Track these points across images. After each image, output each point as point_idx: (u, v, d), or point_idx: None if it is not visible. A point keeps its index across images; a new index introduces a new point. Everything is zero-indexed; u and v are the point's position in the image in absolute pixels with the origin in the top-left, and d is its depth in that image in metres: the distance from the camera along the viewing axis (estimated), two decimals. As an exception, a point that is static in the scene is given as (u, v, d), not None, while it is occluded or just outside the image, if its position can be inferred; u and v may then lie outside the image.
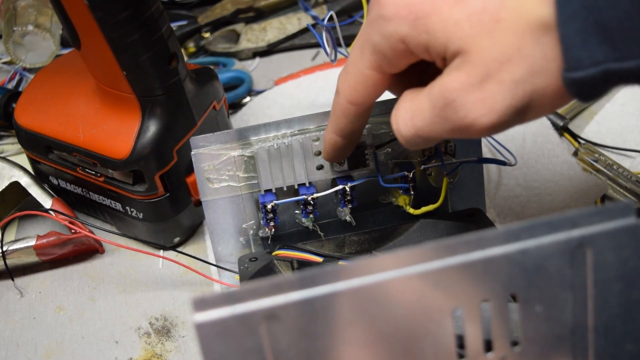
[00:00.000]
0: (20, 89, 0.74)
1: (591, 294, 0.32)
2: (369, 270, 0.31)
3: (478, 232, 0.31)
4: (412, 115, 0.39)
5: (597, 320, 0.33)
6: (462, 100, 0.36)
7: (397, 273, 0.31)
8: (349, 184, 0.50)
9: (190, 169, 0.55)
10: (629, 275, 0.32)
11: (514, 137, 0.60)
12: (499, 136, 0.57)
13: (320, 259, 0.49)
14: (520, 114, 0.36)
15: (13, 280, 0.57)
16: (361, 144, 0.50)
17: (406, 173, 0.51)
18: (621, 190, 0.56)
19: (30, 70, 0.78)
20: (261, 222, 0.51)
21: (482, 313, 0.32)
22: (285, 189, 0.51)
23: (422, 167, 0.51)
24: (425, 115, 0.38)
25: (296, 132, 0.50)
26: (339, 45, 0.55)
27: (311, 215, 0.51)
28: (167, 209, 0.56)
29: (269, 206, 0.50)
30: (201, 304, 0.29)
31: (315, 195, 0.50)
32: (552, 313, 0.33)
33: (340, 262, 0.49)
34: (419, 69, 0.42)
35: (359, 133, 0.46)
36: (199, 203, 0.53)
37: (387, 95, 0.53)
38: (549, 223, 0.31)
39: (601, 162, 0.57)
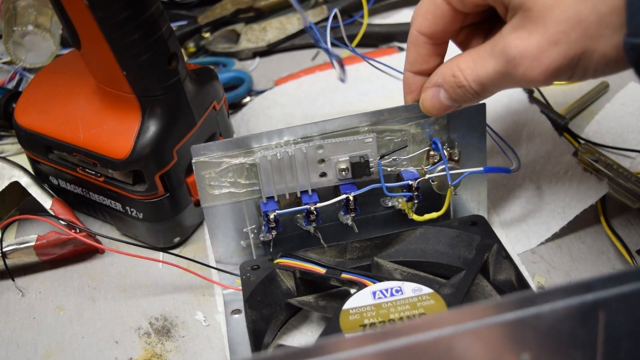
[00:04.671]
0: (20, 89, 0.74)
1: (601, 351, 0.33)
2: (383, 337, 0.31)
3: (494, 299, 0.31)
4: (477, 71, 0.43)
5: None
6: (522, 58, 0.40)
7: (411, 339, 0.31)
8: (353, 193, 0.50)
9: (190, 169, 0.55)
10: (638, 333, 0.33)
11: (514, 137, 0.60)
12: (503, 135, 0.57)
13: (322, 270, 0.49)
14: (567, 72, 0.40)
15: (13, 280, 0.57)
16: (365, 153, 0.50)
17: (410, 182, 0.51)
18: (621, 190, 0.56)
19: (30, 70, 0.78)
20: (262, 226, 0.51)
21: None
22: (287, 196, 0.51)
23: (427, 176, 0.51)
24: (489, 71, 0.43)
25: (299, 139, 0.50)
26: (344, 43, 0.55)
27: (313, 224, 0.51)
28: (167, 209, 0.56)
29: (272, 216, 0.50)
30: None
31: (319, 205, 0.50)
32: None
33: (343, 275, 0.49)
34: (483, 31, 0.47)
35: (428, 72, 0.48)
36: (199, 203, 0.53)
37: (389, 104, 0.53)
38: (564, 289, 0.32)
39: (601, 162, 0.57)
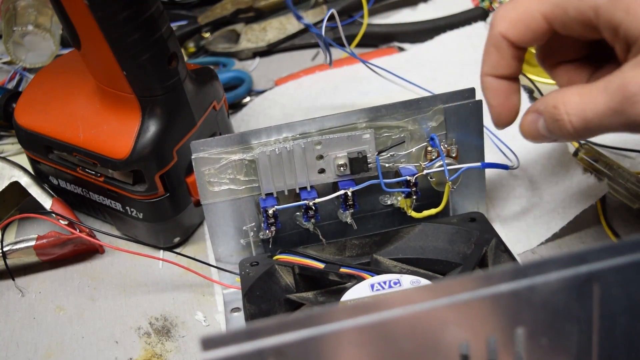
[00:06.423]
0: (20, 89, 0.74)
1: (596, 326, 0.32)
2: (377, 308, 0.30)
3: (487, 270, 0.31)
4: (584, 106, 0.39)
5: (602, 351, 0.33)
6: None
7: (405, 310, 0.31)
8: (351, 189, 0.50)
9: (190, 169, 0.55)
10: (634, 308, 0.32)
11: (514, 137, 0.60)
12: (501, 135, 0.57)
13: (321, 265, 0.49)
14: None
15: (14, 280, 0.57)
16: (363, 149, 0.50)
17: (408, 177, 0.51)
18: (621, 190, 0.56)
19: (30, 70, 0.78)
20: (262, 224, 0.51)
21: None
22: (286, 192, 0.51)
23: (425, 172, 0.51)
24: (599, 107, 0.38)
25: (298, 135, 0.50)
26: (342, 44, 0.56)
27: (312, 220, 0.51)
28: (167, 209, 0.56)
29: (270, 211, 0.50)
30: (210, 343, 0.29)
31: (317, 200, 0.50)
32: (558, 344, 0.33)
33: (342, 269, 0.49)
34: (585, 70, 0.43)
35: (511, 76, 0.44)
36: (199, 203, 0.53)
37: (388, 99, 0.53)
38: (558, 260, 0.31)
39: (601, 162, 0.57)
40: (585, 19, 0.38)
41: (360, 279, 0.48)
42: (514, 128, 0.61)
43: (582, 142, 0.61)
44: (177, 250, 0.58)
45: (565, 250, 0.54)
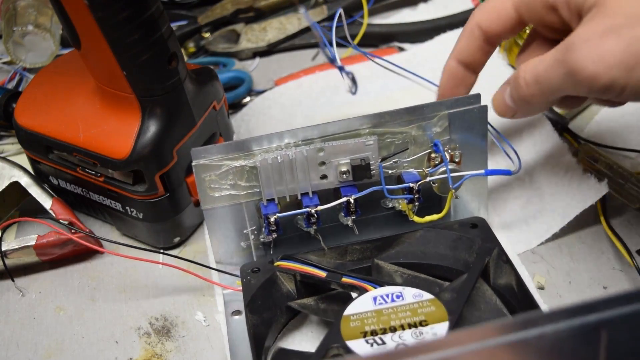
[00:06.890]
0: (20, 89, 0.74)
1: None
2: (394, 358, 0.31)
3: (497, 320, 0.31)
4: (537, 62, 0.43)
5: None
6: (581, 45, 0.40)
7: None
8: (353, 196, 0.50)
9: (190, 169, 0.55)
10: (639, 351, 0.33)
11: (514, 138, 0.60)
12: (503, 136, 0.57)
13: (323, 274, 0.49)
14: (627, 71, 0.38)
15: (13, 280, 0.57)
16: (366, 155, 0.50)
17: (411, 184, 0.50)
18: (621, 190, 0.56)
19: (30, 70, 0.78)
20: (262, 228, 0.51)
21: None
22: (287, 198, 0.51)
23: (429, 179, 0.51)
24: (547, 60, 0.42)
25: (300, 142, 0.49)
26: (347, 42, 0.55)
27: (314, 226, 0.51)
28: (167, 209, 0.56)
29: (272, 219, 0.50)
30: None
31: (319, 207, 0.50)
32: None
33: (344, 279, 0.48)
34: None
35: (474, 65, 0.49)
36: (199, 203, 0.53)
37: (390, 103, 0.53)
38: (568, 310, 0.31)
39: (601, 162, 0.57)
40: (546, 2, 0.43)
41: (362, 290, 0.47)
42: (516, 130, 0.62)
43: (582, 142, 0.61)
44: (177, 250, 0.58)
45: (565, 250, 0.55)
